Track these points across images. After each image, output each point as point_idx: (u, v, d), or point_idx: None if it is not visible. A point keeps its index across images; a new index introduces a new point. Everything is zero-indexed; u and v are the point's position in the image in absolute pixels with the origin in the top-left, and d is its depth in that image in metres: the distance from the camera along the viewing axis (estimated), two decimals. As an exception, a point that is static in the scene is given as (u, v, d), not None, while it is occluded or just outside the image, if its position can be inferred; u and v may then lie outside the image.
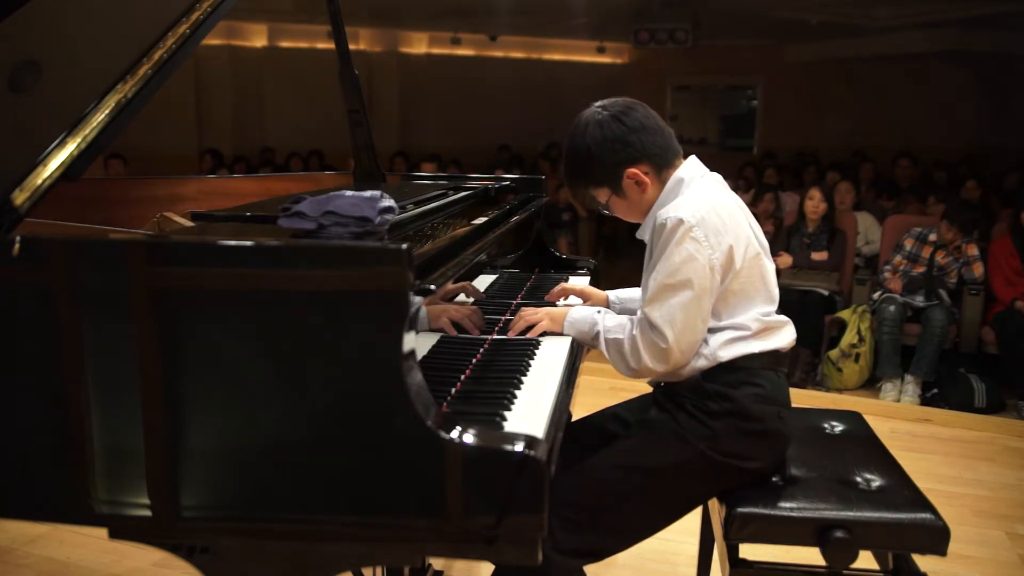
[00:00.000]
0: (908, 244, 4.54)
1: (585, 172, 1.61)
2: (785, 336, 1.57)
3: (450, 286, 1.74)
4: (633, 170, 1.56)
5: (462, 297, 1.79)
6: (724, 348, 1.52)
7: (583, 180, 1.63)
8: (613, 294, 1.89)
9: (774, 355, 1.55)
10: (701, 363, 1.53)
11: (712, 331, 1.52)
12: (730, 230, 1.49)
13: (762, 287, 1.55)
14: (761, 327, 1.53)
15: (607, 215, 1.69)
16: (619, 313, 1.80)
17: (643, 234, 1.63)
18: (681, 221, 1.46)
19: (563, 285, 1.91)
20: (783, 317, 1.58)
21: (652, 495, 1.54)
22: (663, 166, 1.59)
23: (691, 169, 1.59)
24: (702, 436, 1.51)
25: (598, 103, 1.61)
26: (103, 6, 1.48)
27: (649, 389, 1.75)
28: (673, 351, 1.49)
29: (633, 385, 2.54)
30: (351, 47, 2.35)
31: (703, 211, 1.48)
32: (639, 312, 1.55)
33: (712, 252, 1.47)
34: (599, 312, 1.63)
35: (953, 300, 4.37)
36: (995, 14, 7.08)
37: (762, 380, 1.53)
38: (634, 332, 1.53)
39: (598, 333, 1.59)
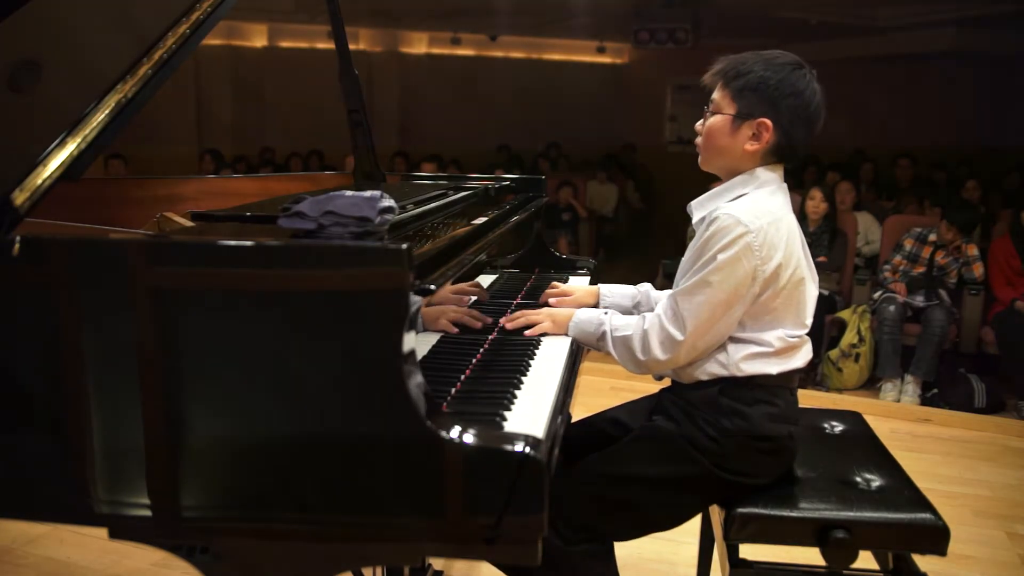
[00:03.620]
0: (908, 244, 4.54)
1: (743, 76, 1.49)
2: (804, 355, 1.54)
3: (464, 287, 1.73)
4: (769, 124, 1.47)
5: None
6: (745, 362, 1.49)
7: (734, 80, 1.50)
8: (605, 288, 1.85)
9: (790, 374, 1.53)
10: (718, 371, 1.50)
11: (734, 341, 1.50)
12: (783, 248, 1.45)
13: (796, 311, 1.51)
14: (783, 346, 1.50)
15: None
16: (607, 307, 1.79)
17: (695, 210, 1.56)
18: (740, 223, 1.42)
19: (552, 285, 1.88)
20: (805, 337, 1.54)
21: (654, 505, 1.54)
22: (778, 153, 1.51)
23: (771, 174, 1.52)
24: (711, 453, 1.50)
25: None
26: (103, 6, 1.48)
27: (651, 390, 1.74)
28: (686, 345, 1.47)
29: (633, 386, 2.55)
30: (351, 47, 2.35)
31: (764, 221, 1.43)
32: (661, 304, 1.53)
33: (760, 263, 1.43)
34: (606, 313, 1.62)
35: (953, 300, 4.38)
36: (995, 14, 7.08)
37: (777, 399, 1.52)
38: (646, 327, 1.51)
39: (604, 333, 1.57)
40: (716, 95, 1.54)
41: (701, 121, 1.57)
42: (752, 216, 1.43)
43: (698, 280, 1.45)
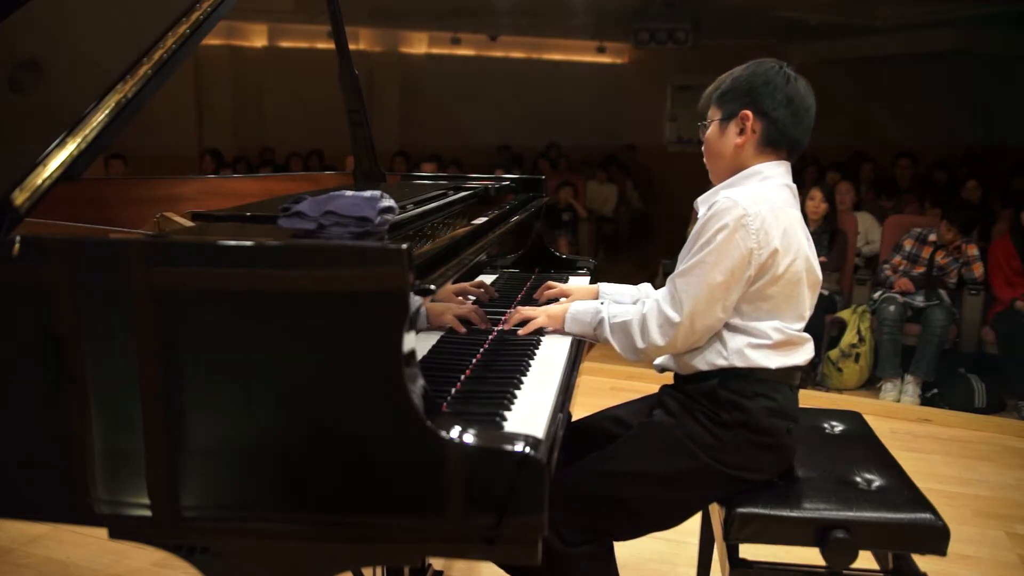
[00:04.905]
0: (908, 244, 4.54)
1: (720, 86, 1.59)
2: (804, 353, 1.55)
3: (466, 286, 1.73)
4: (749, 114, 1.54)
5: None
6: (743, 352, 1.50)
7: (714, 92, 1.60)
8: (605, 286, 1.86)
9: (791, 370, 1.54)
10: (717, 360, 1.51)
11: (733, 330, 1.51)
12: (781, 235, 1.47)
13: (795, 304, 1.52)
14: (782, 339, 1.51)
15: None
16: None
17: (700, 205, 1.59)
18: (737, 205, 1.45)
19: (548, 287, 1.88)
20: (805, 335, 1.55)
21: (654, 502, 1.54)
22: (771, 145, 1.55)
23: (775, 170, 1.55)
24: (710, 447, 1.50)
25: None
26: (103, 6, 1.48)
27: (652, 389, 1.74)
28: (683, 327, 1.48)
29: (634, 385, 2.54)
30: (351, 47, 2.35)
31: (762, 207, 1.46)
32: (660, 290, 1.55)
33: (756, 246, 1.45)
34: (602, 302, 1.63)
35: (953, 300, 4.37)
36: (996, 14, 7.08)
37: (777, 394, 1.52)
38: (644, 311, 1.52)
39: (602, 320, 1.58)
40: (708, 112, 1.63)
41: (700, 144, 1.65)
42: (750, 200, 1.47)
43: (695, 261, 1.48)
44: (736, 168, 1.57)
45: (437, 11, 8.99)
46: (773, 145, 1.55)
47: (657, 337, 1.50)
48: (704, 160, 1.64)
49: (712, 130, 1.60)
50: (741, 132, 1.55)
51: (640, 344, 1.53)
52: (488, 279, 2.09)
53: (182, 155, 8.26)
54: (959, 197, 5.34)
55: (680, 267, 1.51)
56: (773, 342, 1.50)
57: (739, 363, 1.50)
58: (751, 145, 1.55)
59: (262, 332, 1.06)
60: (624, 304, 1.74)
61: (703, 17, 8.41)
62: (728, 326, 1.51)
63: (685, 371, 1.56)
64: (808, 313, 1.56)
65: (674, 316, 1.48)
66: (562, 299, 1.82)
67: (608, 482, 1.53)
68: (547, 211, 2.53)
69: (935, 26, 7.59)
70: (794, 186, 1.58)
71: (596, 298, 1.82)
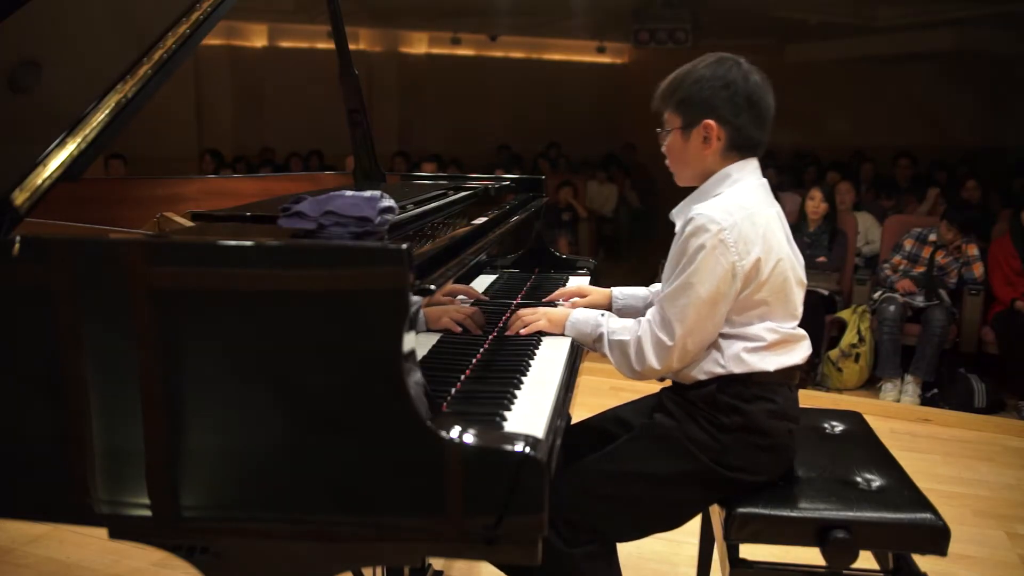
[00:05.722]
0: (908, 244, 4.54)
1: (677, 90, 1.55)
2: (801, 352, 1.54)
3: (450, 287, 1.73)
4: (712, 123, 1.51)
5: (461, 298, 1.79)
6: (740, 357, 1.49)
7: (671, 97, 1.56)
8: (618, 290, 1.86)
9: (789, 370, 1.53)
10: (715, 369, 1.50)
11: (727, 338, 1.50)
12: (761, 241, 1.46)
13: (784, 303, 1.51)
14: (777, 339, 1.50)
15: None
16: (620, 311, 1.80)
17: (676, 218, 1.58)
18: (713, 221, 1.44)
19: (561, 290, 1.89)
20: (800, 331, 1.55)
21: (654, 504, 1.54)
22: (737, 149, 1.53)
23: (745, 170, 1.54)
24: (710, 449, 1.50)
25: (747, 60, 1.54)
26: (103, 6, 1.48)
27: (652, 390, 1.74)
28: (676, 349, 1.47)
29: (634, 386, 2.54)
30: (351, 47, 2.35)
31: (737, 216, 1.45)
32: (650, 310, 1.54)
33: (738, 259, 1.44)
34: (603, 315, 1.62)
35: (953, 300, 4.38)
36: (995, 14, 7.08)
37: (776, 396, 1.52)
38: (639, 333, 1.51)
39: (601, 335, 1.58)
40: (665, 116, 1.59)
41: (663, 145, 1.62)
42: (725, 213, 1.45)
43: (680, 284, 1.47)
44: (704, 174, 1.56)
45: (437, 11, 9.00)
46: (738, 149, 1.54)
47: (653, 360, 1.50)
48: (667, 163, 1.61)
49: (674, 138, 1.57)
50: (705, 140, 1.52)
51: (637, 367, 1.53)
52: (488, 279, 2.10)
53: (182, 155, 8.26)
54: (959, 197, 5.34)
55: (665, 289, 1.50)
56: (768, 343, 1.50)
57: (737, 369, 1.49)
58: (716, 152, 1.53)
59: (262, 332, 1.06)
60: (639, 311, 1.74)
61: (703, 17, 8.41)
62: (722, 334, 1.51)
63: (685, 381, 1.56)
64: (799, 311, 1.55)
65: (666, 340, 1.48)
66: (560, 302, 1.82)
67: (609, 482, 1.53)
68: (547, 211, 2.53)
69: (935, 26, 7.60)
70: (765, 181, 1.57)
71: (609, 302, 1.83)
